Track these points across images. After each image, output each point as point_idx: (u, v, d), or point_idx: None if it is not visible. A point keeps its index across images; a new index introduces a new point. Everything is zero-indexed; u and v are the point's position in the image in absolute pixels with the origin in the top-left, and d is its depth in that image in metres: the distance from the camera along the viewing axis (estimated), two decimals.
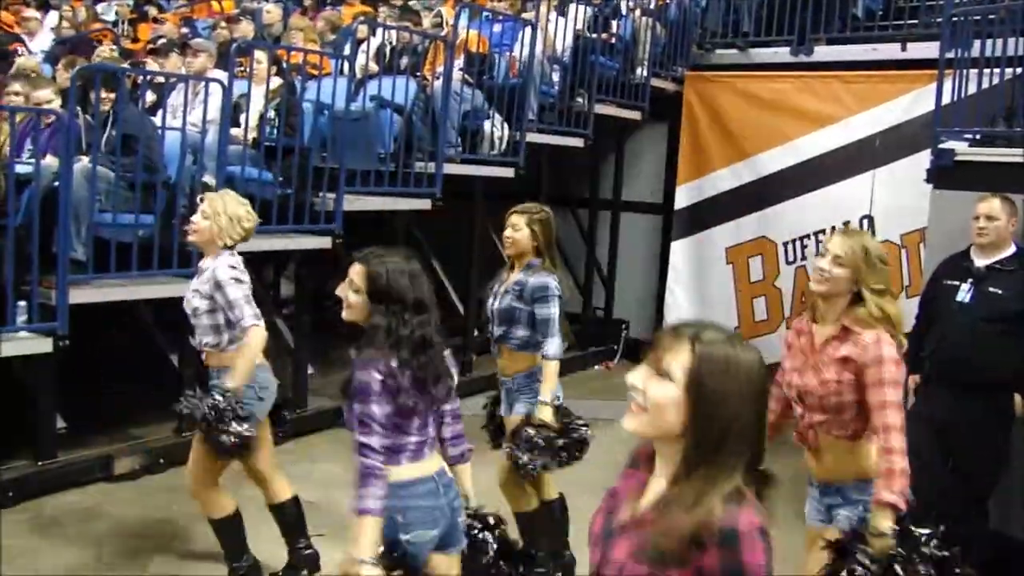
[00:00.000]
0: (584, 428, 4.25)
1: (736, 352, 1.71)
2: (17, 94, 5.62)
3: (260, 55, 6.50)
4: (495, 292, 4.35)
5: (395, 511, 2.87)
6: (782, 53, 8.62)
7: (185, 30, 9.28)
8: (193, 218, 4.19)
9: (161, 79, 6.93)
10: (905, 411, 4.90)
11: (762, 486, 1.74)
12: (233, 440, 3.91)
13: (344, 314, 2.96)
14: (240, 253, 4.82)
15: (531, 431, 4.09)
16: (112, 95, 5.56)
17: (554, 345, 4.19)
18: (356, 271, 2.92)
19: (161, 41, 7.98)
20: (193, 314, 4.12)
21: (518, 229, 4.24)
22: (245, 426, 3.93)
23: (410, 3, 9.20)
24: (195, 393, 4.04)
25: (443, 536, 3.00)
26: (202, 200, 4.22)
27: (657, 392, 1.71)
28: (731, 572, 1.62)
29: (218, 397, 3.92)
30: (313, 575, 4.38)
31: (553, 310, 4.17)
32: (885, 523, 2.97)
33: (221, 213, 4.09)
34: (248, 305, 4.02)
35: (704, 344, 1.70)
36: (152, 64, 7.46)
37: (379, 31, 7.80)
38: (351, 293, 2.92)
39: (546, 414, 4.14)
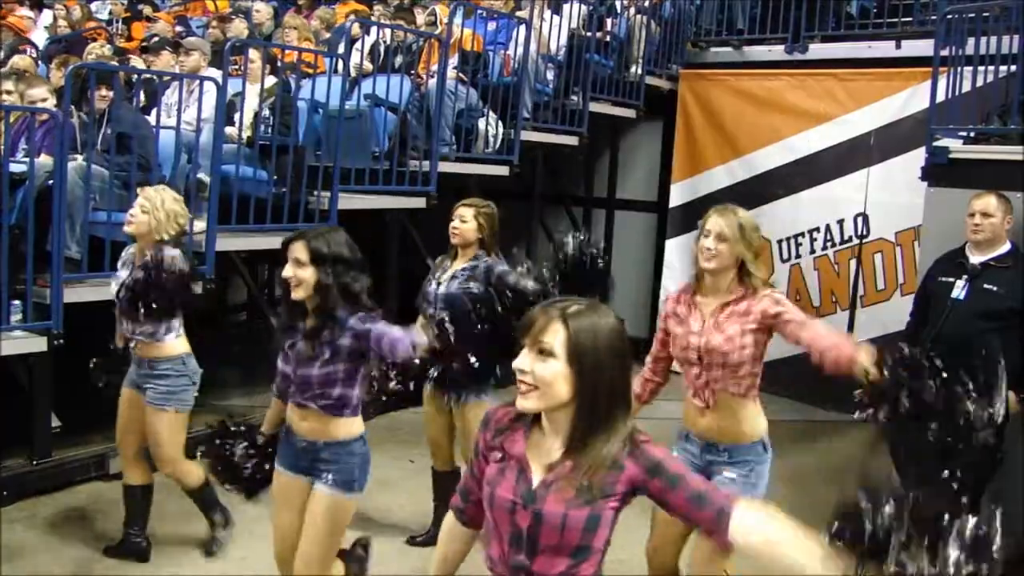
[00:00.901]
0: None
1: (600, 318, 1.95)
2: (10, 93, 5.60)
3: (254, 54, 6.49)
4: (437, 279, 4.58)
5: (368, 453, 3.38)
6: (776, 51, 8.62)
7: (179, 28, 9.26)
8: (131, 211, 4.28)
9: (153, 78, 6.91)
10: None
11: None
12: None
13: (294, 293, 3.18)
14: (235, 252, 4.83)
15: None
16: (108, 93, 5.55)
17: None
18: (297, 248, 3.20)
19: (154, 39, 7.96)
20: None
21: (466, 221, 4.52)
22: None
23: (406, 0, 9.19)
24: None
25: None
26: (139, 194, 4.35)
27: (543, 370, 1.92)
28: (651, 463, 1.96)
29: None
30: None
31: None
32: (869, 360, 3.04)
33: (160, 208, 4.22)
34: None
35: (574, 317, 1.93)
36: (137, 61, 7.44)
37: (373, 29, 7.79)
38: (298, 270, 3.17)
39: None
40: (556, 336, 1.92)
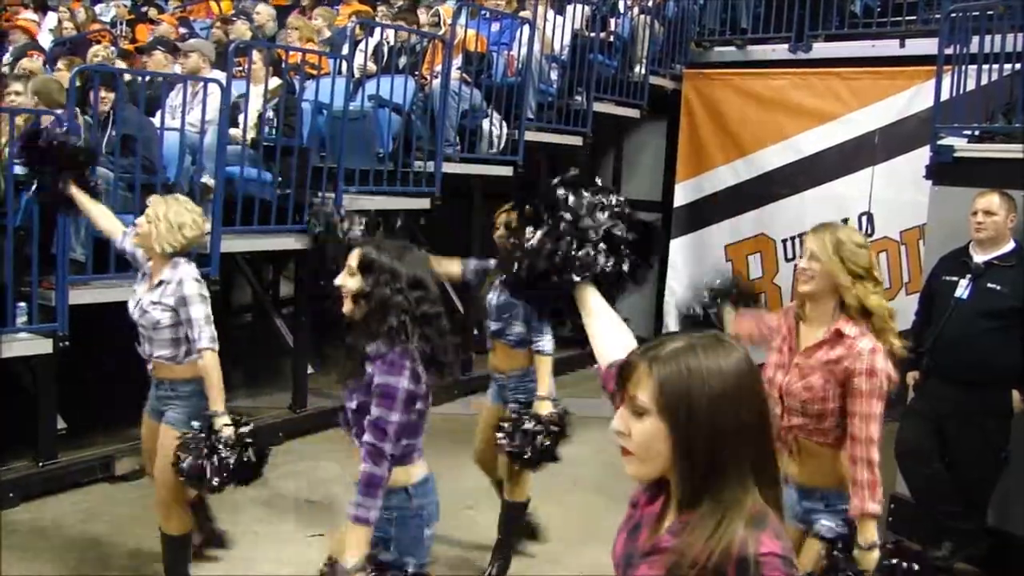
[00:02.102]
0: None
1: (699, 359, 1.57)
2: (19, 94, 5.61)
3: (256, 55, 6.49)
4: (495, 286, 4.37)
5: (419, 509, 2.90)
6: (780, 50, 8.62)
7: (183, 30, 9.27)
8: (138, 220, 4.05)
9: (153, 80, 6.92)
10: (904, 406, 4.96)
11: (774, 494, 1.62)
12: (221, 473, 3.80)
13: (345, 307, 2.91)
14: (240, 253, 4.75)
15: (529, 424, 4.16)
16: (111, 95, 5.56)
17: (547, 341, 4.25)
18: (352, 255, 2.91)
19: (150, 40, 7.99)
20: (153, 327, 3.95)
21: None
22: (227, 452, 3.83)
23: None
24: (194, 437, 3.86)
25: None
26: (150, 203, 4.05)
27: (638, 431, 1.59)
28: None
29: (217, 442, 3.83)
30: None
31: None
32: (872, 535, 2.95)
33: (161, 218, 3.89)
34: (208, 326, 3.91)
35: (661, 362, 1.58)
36: (122, 63, 7.44)
37: (377, 30, 7.80)
38: (348, 278, 2.89)
39: (544, 408, 4.21)
40: (644, 387, 1.58)
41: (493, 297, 4.38)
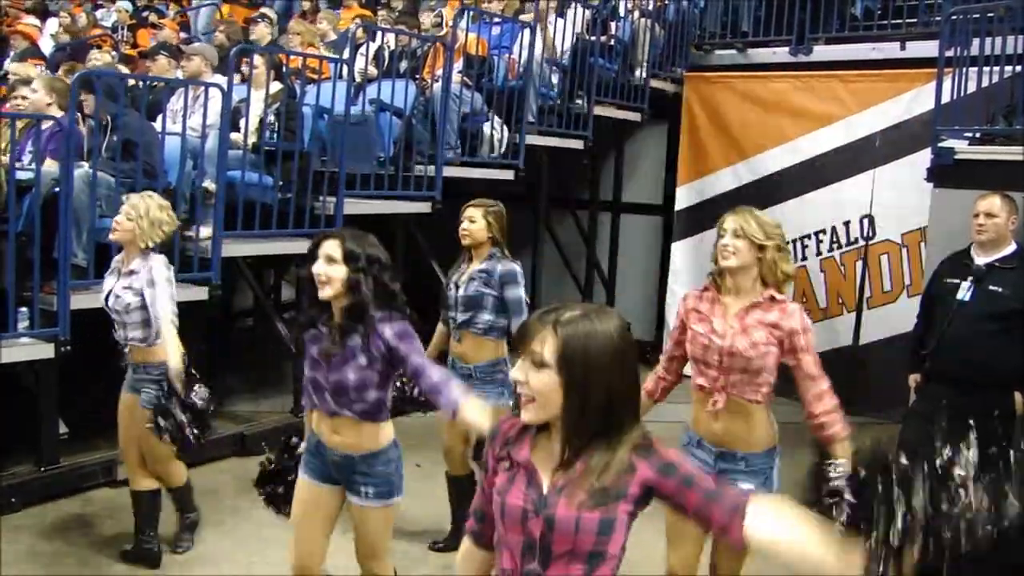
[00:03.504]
0: None
1: (594, 324, 1.91)
2: (25, 98, 5.62)
3: (257, 59, 6.50)
4: (455, 282, 4.58)
5: (398, 462, 3.33)
6: (781, 53, 8.62)
7: (184, 35, 9.28)
8: (117, 217, 4.31)
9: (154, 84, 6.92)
10: (906, 408, 4.96)
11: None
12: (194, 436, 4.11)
13: (322, 292, 3.13)
14: (242, 258, 4.68)
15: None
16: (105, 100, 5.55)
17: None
18: (330, 245, 3.15)
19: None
20: (125, 310, 4.26)
21: (475, 221, 4.52)
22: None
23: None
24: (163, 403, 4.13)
25: None
26: (126, 200, 4.39)
27: (537, 381, 1.91)
28: (664, 463, 1.93)
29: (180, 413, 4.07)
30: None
31: (522, 292, 4.51)
32: (849, 452, 3.06)
33: (144, 216, 4.24)
34: (170, 304, 4.23)
35: (564, 325, 1.90)
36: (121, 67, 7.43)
37: (378, 34, 7.81)
38: (328, 267, 3.13)
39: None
40: (547, 345, 1.89)
41: (456, 291, 4.54)
